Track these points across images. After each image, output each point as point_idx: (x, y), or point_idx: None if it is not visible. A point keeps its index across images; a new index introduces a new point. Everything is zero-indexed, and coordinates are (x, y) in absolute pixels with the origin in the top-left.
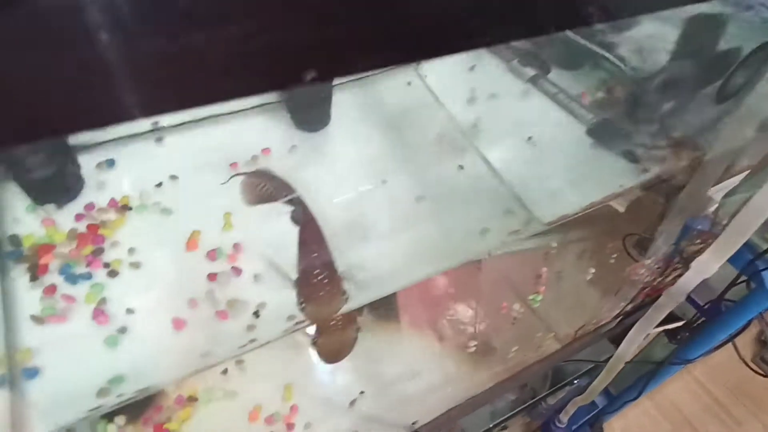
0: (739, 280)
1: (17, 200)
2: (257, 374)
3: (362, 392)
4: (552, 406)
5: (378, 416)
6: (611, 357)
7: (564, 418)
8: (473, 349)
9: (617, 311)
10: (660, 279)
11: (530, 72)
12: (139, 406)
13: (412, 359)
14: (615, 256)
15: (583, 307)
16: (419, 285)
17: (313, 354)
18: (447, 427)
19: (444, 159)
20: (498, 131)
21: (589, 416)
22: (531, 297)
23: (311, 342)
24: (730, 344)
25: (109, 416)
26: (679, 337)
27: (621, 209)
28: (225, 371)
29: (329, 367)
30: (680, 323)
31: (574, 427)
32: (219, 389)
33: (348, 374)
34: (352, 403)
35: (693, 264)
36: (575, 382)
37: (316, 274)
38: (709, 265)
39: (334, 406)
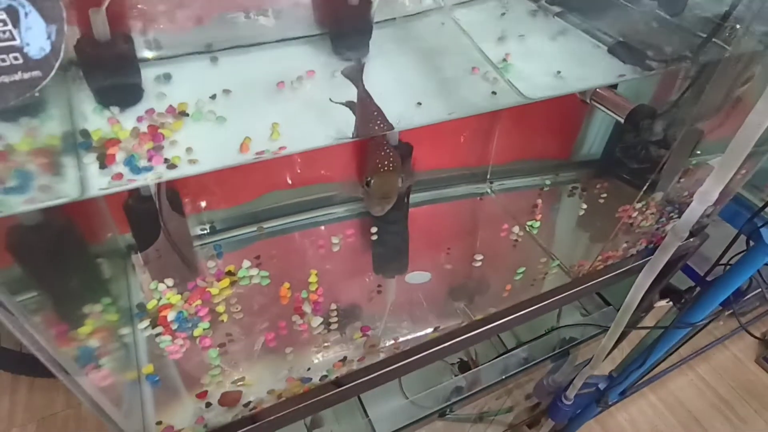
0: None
1: (86, 103)
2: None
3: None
4: (558, 383)
5: None
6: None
7: (570, 394)
8: (479, 263)
9: (621, 249)
10: (658, 227)
11: (557, 9)
12: None
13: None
14: (604, 196)
15: (584, 241)
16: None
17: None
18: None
19: (477, 87)
20: (528, 67)
21: (595, 393)
22: (529, 223)
23: (363, 184)
24: (732, 346)
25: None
26: (683, 300)
27: None
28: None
29: None
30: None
31: (578, 411)
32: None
33: None
34: None
35: (696, 195)
36: (581, 345)
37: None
38: (711, 193)
39: None
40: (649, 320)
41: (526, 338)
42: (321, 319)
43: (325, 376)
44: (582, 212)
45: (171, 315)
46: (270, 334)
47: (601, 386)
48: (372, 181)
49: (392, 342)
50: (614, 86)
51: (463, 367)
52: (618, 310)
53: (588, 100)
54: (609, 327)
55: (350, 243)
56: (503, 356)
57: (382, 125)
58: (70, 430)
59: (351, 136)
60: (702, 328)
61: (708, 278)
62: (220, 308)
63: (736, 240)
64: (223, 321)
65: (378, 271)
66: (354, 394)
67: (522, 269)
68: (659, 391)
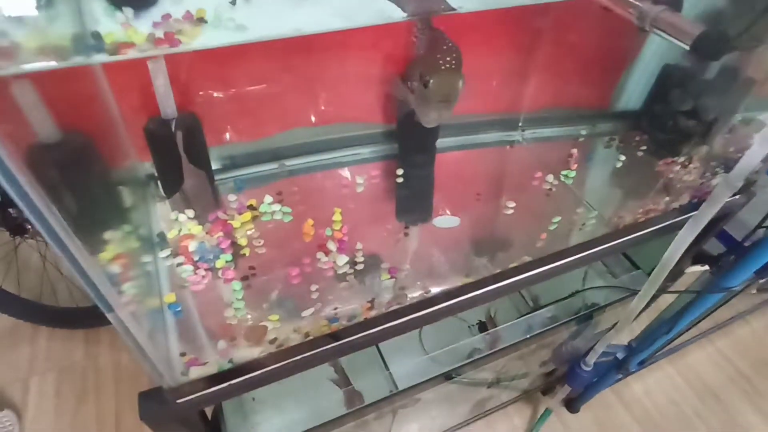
0: None
1: (95, 3)
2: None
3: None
4: (578, 348)
5: None
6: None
7: (590, 360)
8: (511, 210)
9: (663, 203)
10: (702, 182)
11: None
12: None
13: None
14: (644, 149)
15: (621, 193)
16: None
17: None
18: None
19: None
20: None
21: (613, 361)
22: (564, 173)
23: (420, 83)
24: (752, 320)
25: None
26: (719, 264)
27: None
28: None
29: None
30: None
31: (595, 378)
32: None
33: None
34: None
35: (757, 137)
36: (607, 308)
37: None
38: None
39: None
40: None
41: (549, 300)
42: (347, 258)
43: (353, 317)
44: (620, 164)
45: (192, 245)
46: (294, 269)
47: (620, 356)
48: (431, 80)
49: (419, 289)
50: (678, 9)
51: (483, 328)
52: (648, 274)
53: (647, 27)
54: (637, 291)
55: (375, 185)
56: (526, 316)
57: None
58: (89, 379)
59: (401, 15)
60: (734, 295)
61: (746, 243)
62: (242, 241)
63: None
64: (245, 255)
65: (401, 216)
66: (381, 339)
67: (557, 218)
68: (677, 363)
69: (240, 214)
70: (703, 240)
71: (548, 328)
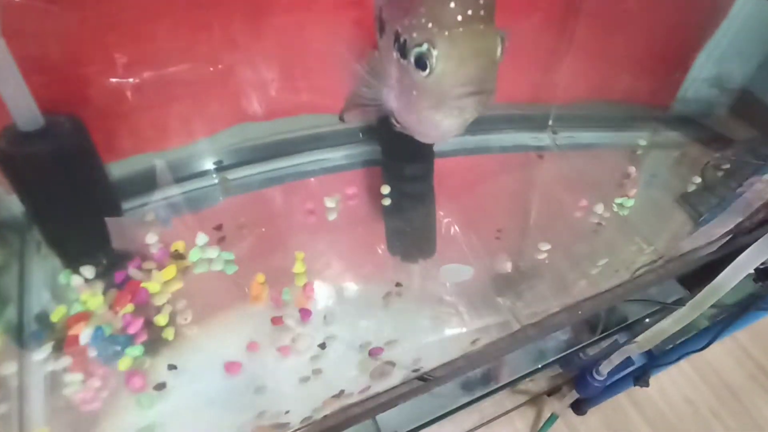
0: None
1: None
2: None
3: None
4: (591, 356)
5: None
6: (680, 299)
7: (604, 370)
8: (544, 254)
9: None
10: None
11: None
12: None
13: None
14: (726, 167)
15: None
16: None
17: None
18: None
19: None
20: None
21: (633, 368)
22: (618, 201)
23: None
24: None
25: None
26: None
27: None
28: None
29: None
30: None
31: (614, 379)
32: None
33: None
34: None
35: None
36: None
37: None
38: None
39: None
40: None
41: None
42: (310, 340)
43: (309, 417)
44: (693, 187)
45: (86, 332)
46: (234, 365)
47: (638, 363)
48: (439, 44)
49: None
50: None
51: None
52: (683, 284)
53: None
54: (668, 305)
55: (352, 209)
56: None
57: None
58: None
59: None
60: None
61: None
62: (162, 318)
63: None
64: (167, 340)
65: (394, 251)
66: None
67: (603, 261)
68: (694, 360)
69: (161, 268)
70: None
71: (563, 354)
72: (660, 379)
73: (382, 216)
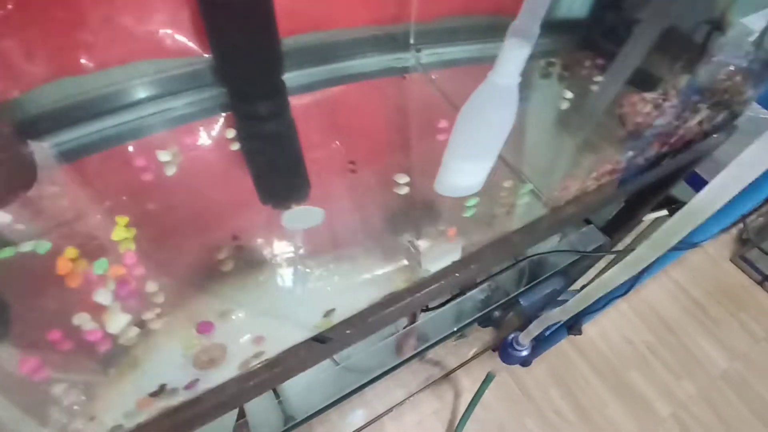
0: None
1: None
2: None
3: None
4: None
5: None
6: (599, 246)
7: (524, 340)
8: (406, 189)
9: (625, 159)
10: (678, 123)
11: None
12: None
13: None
14: (599, 79)
15: (568, 149)
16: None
17: None
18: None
19: None
20: None
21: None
22: None
23: None
24: (707, 246)
25: None
26: None
27: None
28: None
29: None
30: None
31: (548, 333)
32: None
33: None
34: None
35: None
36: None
37: None
38: None
39: None
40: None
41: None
42: (128, 318)
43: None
44: (566, 104)
45: None
46: (29, 360)
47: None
48: None
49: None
50: None
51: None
52: (602, 230)
53: None
54: (589, 253)
55: (196, 158)
56: (455, 301)
57: None
58: None
59: None
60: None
61: None
62: None
63: None
64: None
65: (265, 199)
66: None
67: (473, 201)
68: (631, 298)
69: None
70: (672, 184)
71: (482, 313)
72: (601, 322)
73: (236, 164)
